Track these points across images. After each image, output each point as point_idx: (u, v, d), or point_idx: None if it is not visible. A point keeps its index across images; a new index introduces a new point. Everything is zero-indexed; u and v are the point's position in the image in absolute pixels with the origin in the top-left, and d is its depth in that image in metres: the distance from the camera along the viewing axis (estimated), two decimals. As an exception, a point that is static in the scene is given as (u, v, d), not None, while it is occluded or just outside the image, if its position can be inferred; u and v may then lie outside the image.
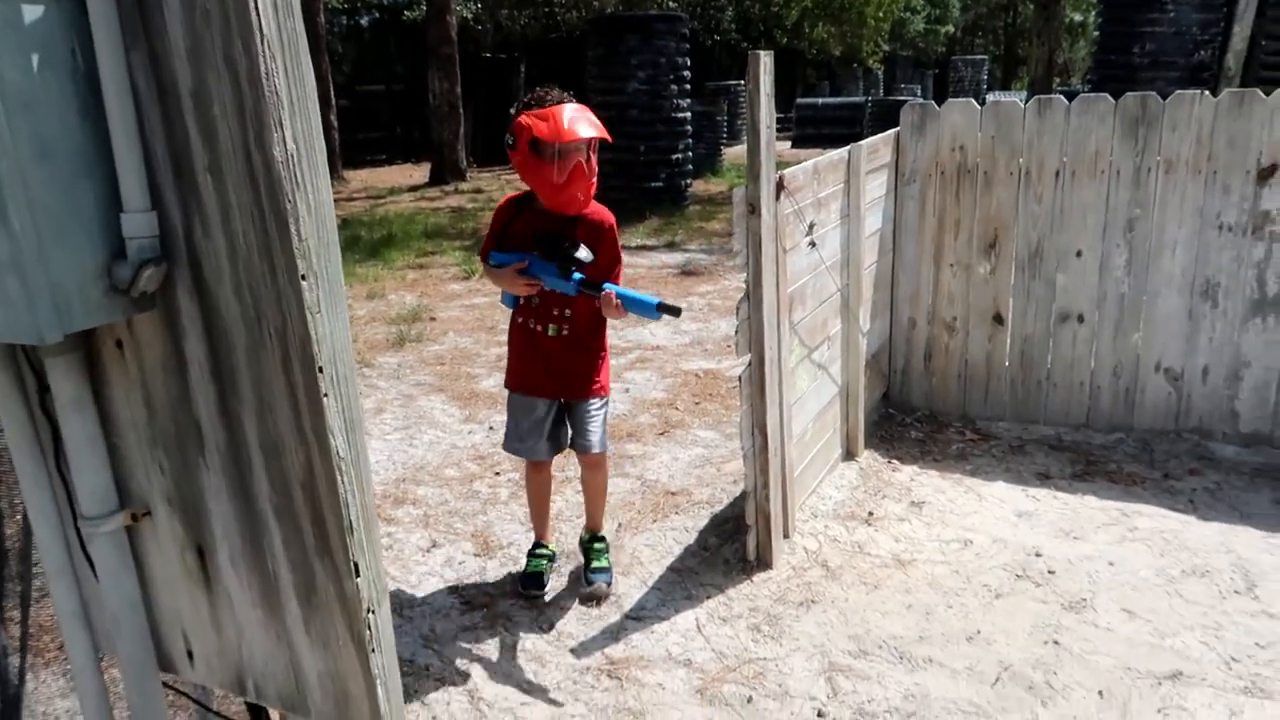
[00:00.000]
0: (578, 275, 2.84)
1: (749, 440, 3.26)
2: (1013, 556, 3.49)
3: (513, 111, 2.87)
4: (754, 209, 3.10)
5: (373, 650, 1.23)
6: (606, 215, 3.03)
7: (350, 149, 19.13)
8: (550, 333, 3.04)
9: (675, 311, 2.76)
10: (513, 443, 3.21)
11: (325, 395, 1.15)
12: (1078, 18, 35.30)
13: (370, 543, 1.24)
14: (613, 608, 3.24)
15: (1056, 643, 2.98)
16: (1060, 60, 25.84)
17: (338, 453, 1.17)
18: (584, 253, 2.82)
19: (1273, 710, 2.66)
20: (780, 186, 3.28)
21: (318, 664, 1.28)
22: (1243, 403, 4.21)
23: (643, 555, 3.56)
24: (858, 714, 2.68)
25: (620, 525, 3.78)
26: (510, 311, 3.17)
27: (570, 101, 2.82)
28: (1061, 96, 4.32)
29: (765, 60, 3.08)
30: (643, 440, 4.67)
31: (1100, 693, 2.75)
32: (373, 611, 1.24)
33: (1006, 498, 3.97)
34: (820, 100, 24.45)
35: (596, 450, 3.18)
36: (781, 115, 25.60)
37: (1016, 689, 2.77)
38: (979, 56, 30.75)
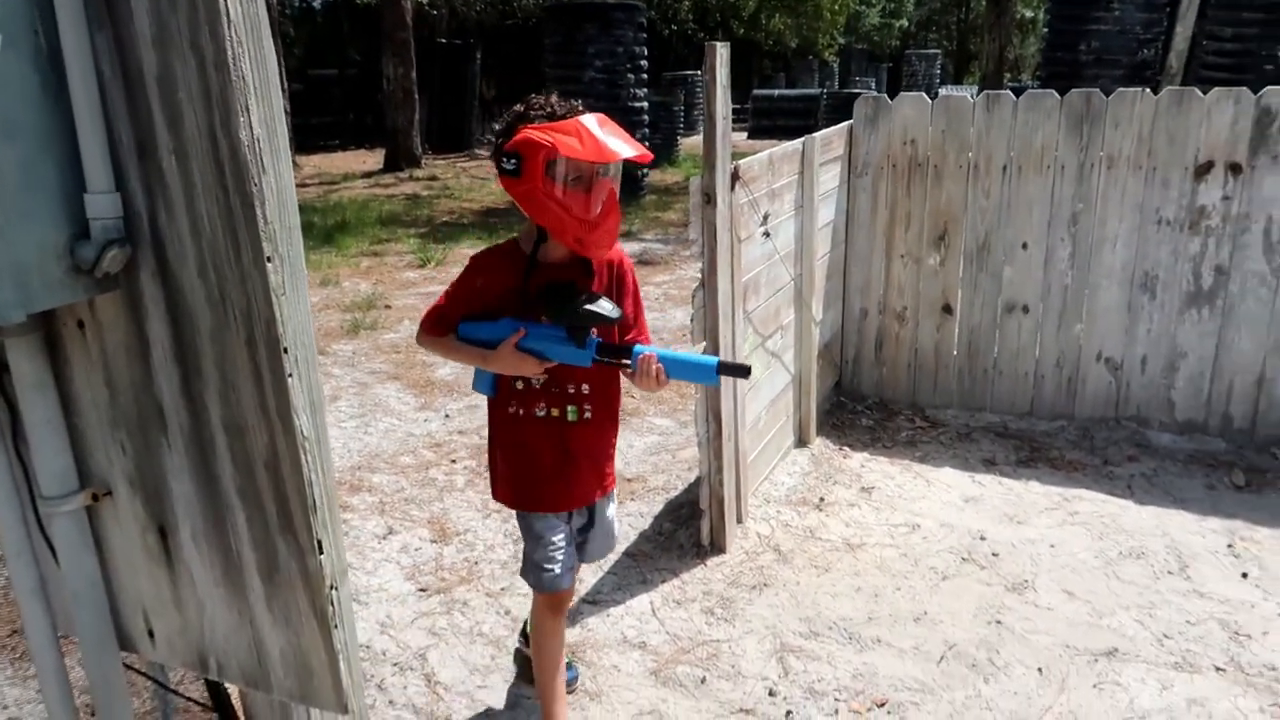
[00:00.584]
0: (595, 339, 2.12)
1: (703, 427, 3.31)
2: (959, 540, 3.60)
3: (498, 129, 2.11)
4: (709, 199, 3.15)
5: (335, 626, 1.26)
6: (620, 251, 2.31)
7: (302, 134, 18.86)
8: (571, 417, 2.25)
9: (743, 372, 2.10)
10: (543, 570, 2.35)
11: (290, 376, 1.17)
12: (1029, 14, 35.89)
13: (332, 521, 1.26)
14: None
15: (999, 622, 3.09)
16: (1011, 56, 26.29)
17: (302, 432, 1.19)
18: (607, 306, 2.09)
19: (1201, 684, 2.78)
20: (735, 177, 3.33)
21: (280, 640, 1.30)
22: (1178, 392, 4.36)
23: (599, 540, 3.60)
24: (808, 693, 2.75)
25: (576, 511, 3.82)
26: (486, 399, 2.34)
27: (585, 111, 2.07)
28: (1010, 92, 4.43)
29: (722, 51, 3.13)
30: (599, 427, 4.71)
31: (1040, 669, 2.85)
32: (335, 588, 1.27)
33: (953, 483, 4.07)
34: (776, 92, 24.60)
35: (607, 554, 2.60)
36: (738, 106, 25.71)
37: (960, 667, 2.87)
38: (932, 51, 31.12)
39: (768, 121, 21.07)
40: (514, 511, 2.43)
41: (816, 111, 20.72)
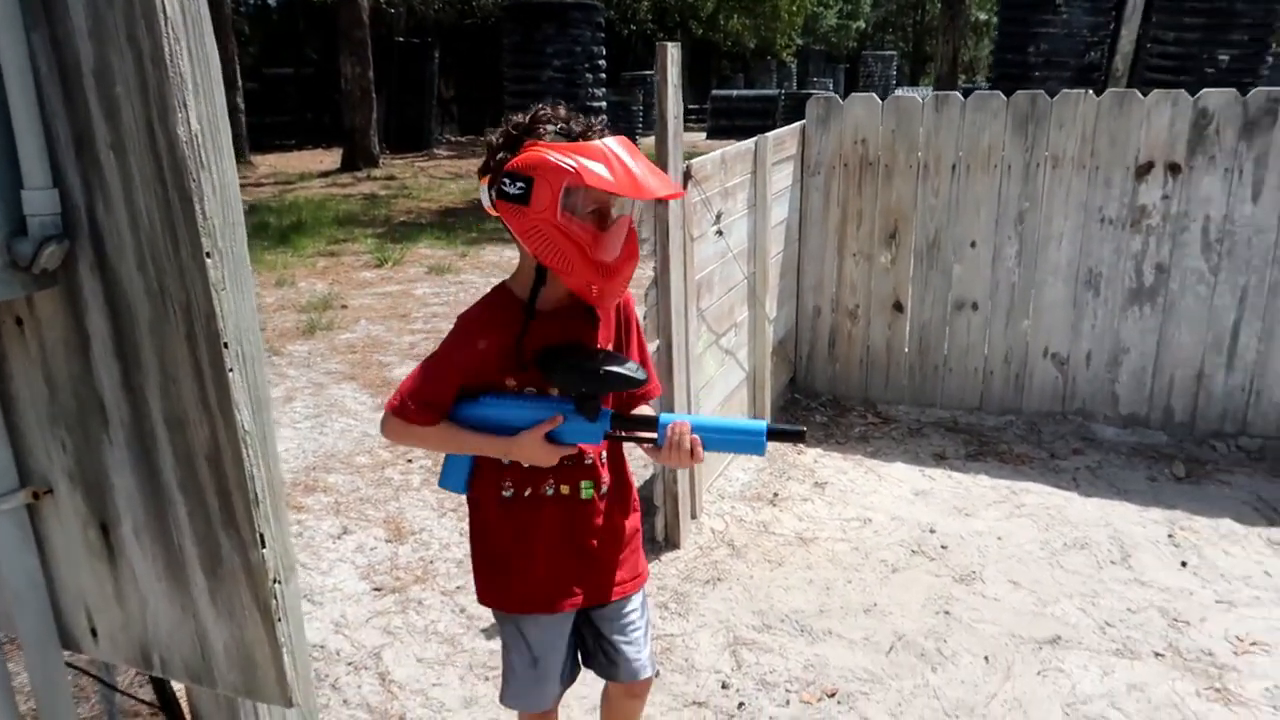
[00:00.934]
0: (608, 411, 1.76)
1: (657, 423, 3.34)
2: (909, 533, 3.66)
3: (497, 142, 1.69)
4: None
5: (279, 619, 1.27)
6: (630, 300, 1.92)
7: (258, 133, 18.62)
8: (586, 494, 1.85)
9: (798, 436, 1.75)
10: (526, 689, 1.95)
11: (230, 370, 1.17)
12: (983, 17, 36.44)
13: (277, 516, 1.27)
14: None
15: (947, 613, 3.15)
16: (966, 58, 26.68)
17: (243, 426, 1.20)
18: (631, 368, 1.70)
19: (1140, 669, 2.87)
20: (688, 176, 3.36)
21: (223, 634, 1.31)
22: (1122, 386, 4.47)
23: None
24: (760, 684, 2.79)
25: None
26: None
27: (608, 133, 1.68)
28: (958, 93, 4.51)
29: (672, 52, 3.16)
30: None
31: (986, 658, 2.92)
32: (279, 582, 1.27)
33: (904, 477, 4.14)
34: (735, 92, 24.74)
35: (649, 671, 2.02)
36: (697, 106, 25.83)
37: (909, 657, 2.92)
38: (888, 52, 31.51)
39: (726, 122, 21.18)
40: (496, 613, 1.98)
41: (774, 112, 20.89)
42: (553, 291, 1.74)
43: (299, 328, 6.43)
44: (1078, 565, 3.46)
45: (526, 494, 1.81)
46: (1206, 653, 2.96)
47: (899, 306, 4.71)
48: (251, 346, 1.22)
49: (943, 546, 3.56)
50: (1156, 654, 2.95)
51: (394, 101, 19.57)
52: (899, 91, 26.13)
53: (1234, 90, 4.02)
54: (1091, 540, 3.64)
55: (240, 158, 15.29)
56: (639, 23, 28.06)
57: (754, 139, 4.09)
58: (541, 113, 1.67)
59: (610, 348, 1.83)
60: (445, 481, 1.85)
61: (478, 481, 1.85)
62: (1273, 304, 4.15)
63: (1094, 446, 4.43)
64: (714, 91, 24.40)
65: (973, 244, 4.52)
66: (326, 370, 5.60)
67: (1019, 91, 4.34)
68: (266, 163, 17.48)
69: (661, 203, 3.18)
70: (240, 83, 16.18)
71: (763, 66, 33.42)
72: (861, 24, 45.23)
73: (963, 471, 4.21)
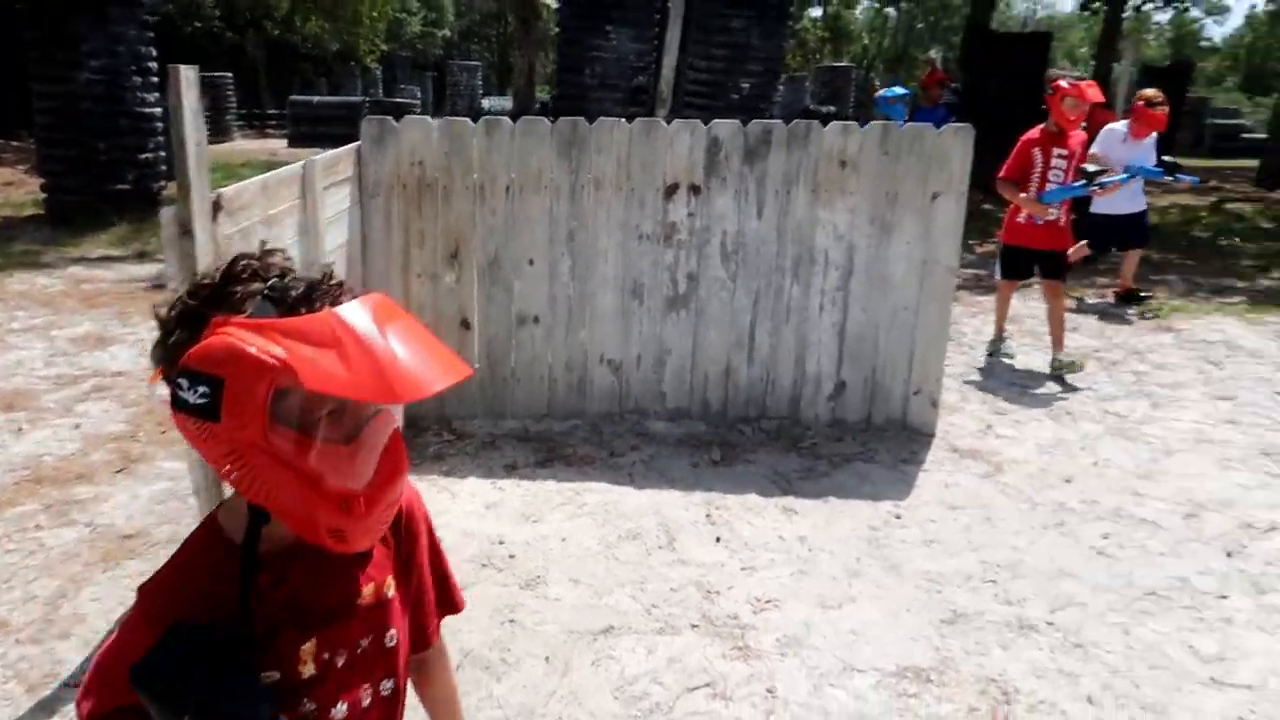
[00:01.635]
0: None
1: (198, 473, 3.13)
2: (479, 547, 3.78)
3: (170, 313, 1.13)
4: (186, 230, 2.98)
5: None
6: (414, 500, 1.44)
7: None
8: None
9: None
10: None
11: None
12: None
13: None
14: (50, 675, 2.92)
15: (513, 621, 3.30)
16: (546, 70, 27.94)
17: None
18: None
19: (679, 643, 3.22)
20: (218, 206, 3.18)
21: None
22: (667, 384, 4.97)
23: (88, 612, 3.25)
24: None
25: (62, 585, 3.41)
26: None
27: (348, 292, 1.15)
28: (507, 118, 4.73)
29: (187, 74, 2.96)
30: (95, 481, 4.24)
31: (547, 658, 3.10)
32: None
33: (477, 491, 4.27)
34: (316, 98, 23.72)
35: None
36: (277, 112, 24.44)
37: (476, 671, 3.02)
38: (474, 62, 32.07)
39: (308, 129, 20.27)
40: None
41: (359, 119, 20.36)
42: (280, 527, 1.13)
43: None
44: (630, 555, 3.80)
45: None
46: (732, 617, 3.39)
47: (466, 324, 4.84)
48: None
49: (510, 556, 3.73)
50: (693, 625, 3.33)
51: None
52: (485, 102, 26.74)
53: (737, 121, 4.64)
54: (643, 529, 4.01)
55: None
56: (205, 19, 25.93)
57: (302, 162, 3.97)
58: (239, 268, 1.11)
59: (391, 584, 1.32)
60: None
61: None
62: (778, 305, 4.84)
63: (648, 441, 4.88)
64: (293, 97, 23.21)
65: (531, 261, 4.77)
66: None
67: (562, 118, 4.65)
68: None
69: (188, 236, 2.98)
70: None
71: (347, 71, 32.41)
72: (447, 32, 45.58)
73: (532, 479, 4.43)
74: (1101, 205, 7.72)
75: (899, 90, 9.64)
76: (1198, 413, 5.60)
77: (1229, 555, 3.98)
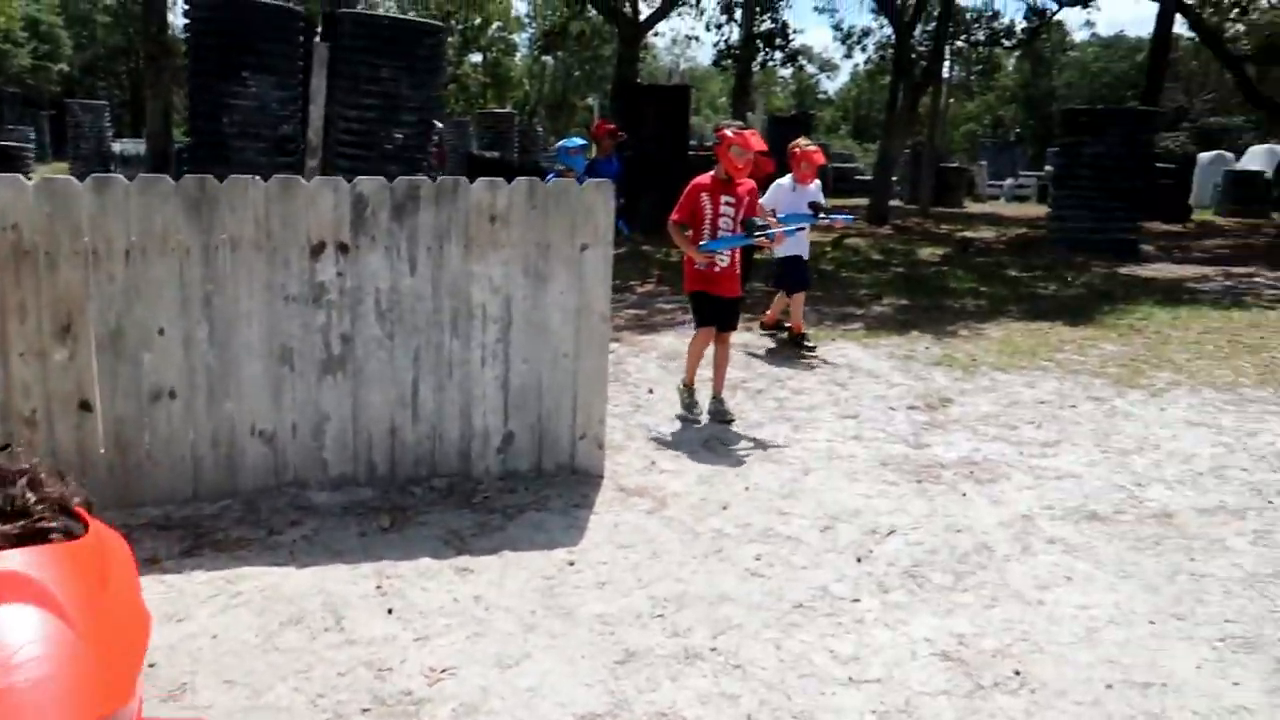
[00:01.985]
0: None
1: None
2: (111, 659, 3.34)
3: None
4: None
5: None
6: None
7: None
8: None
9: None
10: None
11: None
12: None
13: None
14: None
15: (152, 740, 2.94)
16: (185, 110, 25.83)
17: None
18: None
19: (347, 733, 3.03)
20: None
21: None
22: (329, 451, 4.73)
23: None
24: None
25: None
26: None
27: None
28: (121, 176, 4.29)
29: None
30: None
31: (194, 777, 2.79)
32: None
33: (107, 595, 3.78)
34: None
35: None
36: None
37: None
38: (99, 101, 28.98)
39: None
40: None
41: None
42: None
43: None
44: (293, 642, 3.54)
45: None
46: (406, 693, 3.26)
47: (86, 405, 4.30)
48: None
49: (150, 665, 3.32)
50: (363, 710, 3.16)
51: None
52: (116, 146, 24.24)
53: (383, 179, 4.54)
54: (307, 612, 3.75)
55: None
56: None
57: None
58: None
59: None
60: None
61: None
62: (440, 361, 4.78)
63: (311, 514, 4.59)
64: None
65: (161, 330, 4.34)
66: None
67: (187, 176, 4.31)
68: None
69: None
70: None
71: (-64, 109, 28.01)
72: (64, 66, 40.89)
73: (176, 572, 4.00)
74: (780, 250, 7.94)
75: (578, 141, 10.02)
76: (829, 431, 6.25)
77: (859, 560, 4.45)
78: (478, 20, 50.87)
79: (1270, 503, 5.15)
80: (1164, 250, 16.71)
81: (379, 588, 3.98)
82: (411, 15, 34.20)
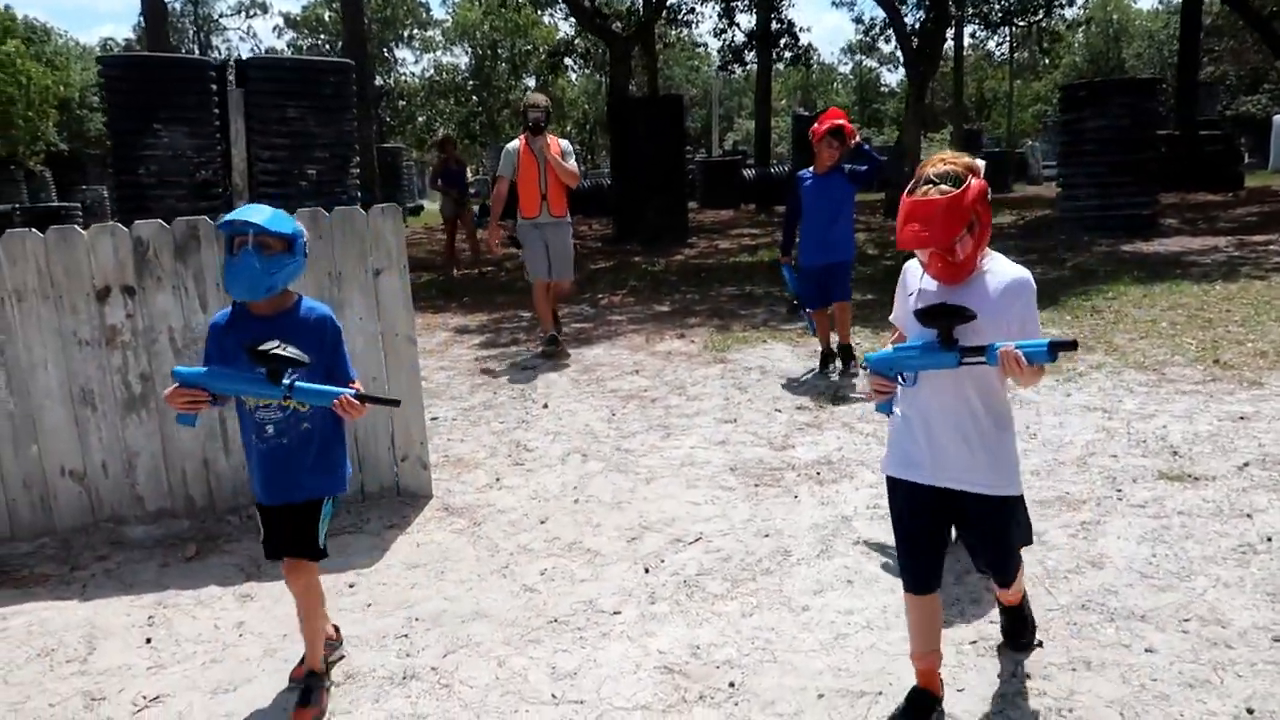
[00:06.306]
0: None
1: None
2: None
3: None
4: None
5: None
6: None
7: None
8: None
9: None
10: None
11: None
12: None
13: None
14: None
15: None
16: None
17: None
18: None
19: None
20: None
21: None
22: (144, 487, 4.88)
23: None
24: None
25: None
26: None
27: None
28: (-84, 236, 4.53)
29: None
30: None
31: None
32: None
33: (-126, 636, 3.99)
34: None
35: None
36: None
37: None
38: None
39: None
40: None
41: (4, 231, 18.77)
42: None
43: None
44: (28, 675, 3.66)
45: None
46: (104, 722, 3.35)
47: (-106, 454, 4.55)
48: None
49: None
50: (53, 742, 3.26)
51: None
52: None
53: (160, 221, 4.69)
54: (62, 644, 3.88)
55: None
56: None
57: None
58: None
59: None
60: None
61: None
62: (246, 393, 4.88)
63: (121, 548, 4.75)
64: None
65: (-41, 381, 4.56)
66: None
67: (-35, 234, 4.52)
68: None
69: None
70: None
71: (7, 177, 29.87)
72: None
73: (-43, 612, 4.20)
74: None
75: None
76: (698, 438, 6.15)
77: (646, 571, 4.37)
78: (527, 47, 51.71)
79: (1119, 492, 4.86)
80: (1188, 223, 15.88)
81: (150, 618, 4.10)
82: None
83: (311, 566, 3.40)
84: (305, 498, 3.30)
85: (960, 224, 2.64)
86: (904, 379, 2.89)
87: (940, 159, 2.76)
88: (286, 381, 2.97)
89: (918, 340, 2.83)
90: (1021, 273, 2.81)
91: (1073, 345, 2.62)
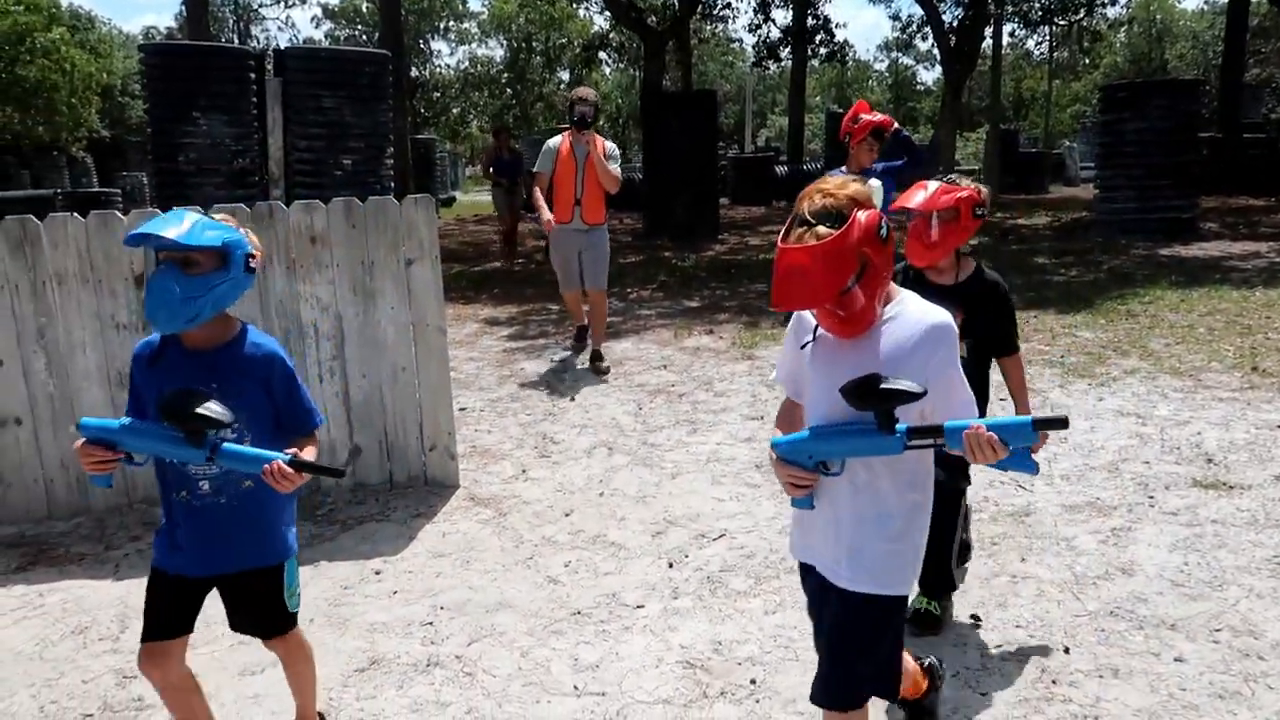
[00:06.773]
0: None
1: None
2: (-121, 669, 3.62)
3: None
4: None
5: None
6: None
7: None
8: None
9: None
10: None
11: None
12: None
13: None
14: None
15: None
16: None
17: None
18: None
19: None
20: None
21: None
22: (177, 470, 4.95)
23: None
24: None
25: None
26: None
27: None
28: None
29: None
30: None
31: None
32: None
33: (-86, 609, 4.09)
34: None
35: None
36: (-41, 210, 22.45)
37: None
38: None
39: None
40: None
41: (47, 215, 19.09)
42: None
43: None
44: (62, 652, 3.74)
45: None
46: (136, 699, 3.43)
47: (-63, 433, 4.65)
48: None
49: (-90, 673, 3.59)
50: (85, 715, 3.34)
51: None
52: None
53: (198, 208, 4.73)
54: (96, 623, 3.96)
55: None
56: None
57: None
58: None
59: None
60: None
61: None
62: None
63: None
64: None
65: (1, 363, 4.65)
66: None
67: (8, 218, 4.61)
68: None
69: None
70: None
71: (51, 162, 30.38)
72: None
73: (2, 586, 4.29)
74: None
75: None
76: (724, 434, 6.14)
77: (670, 566, 4.38)
78: (562, 40, 51.80)
79: (1151, 498, 4.80)
80: (1229, 227, 15.61)
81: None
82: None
83: (291, 633, 2.96)
84: (251, 566, 2.75)
85: (846, 272, 2.13)
86: (827, 468, 2.34)
87: (818, 189, 2.21)
88: (211, 443, 2.46)
89: (847, 422, 2.27)
90: (939, 315, 2.29)
91: (1063, 423, 2.13)
